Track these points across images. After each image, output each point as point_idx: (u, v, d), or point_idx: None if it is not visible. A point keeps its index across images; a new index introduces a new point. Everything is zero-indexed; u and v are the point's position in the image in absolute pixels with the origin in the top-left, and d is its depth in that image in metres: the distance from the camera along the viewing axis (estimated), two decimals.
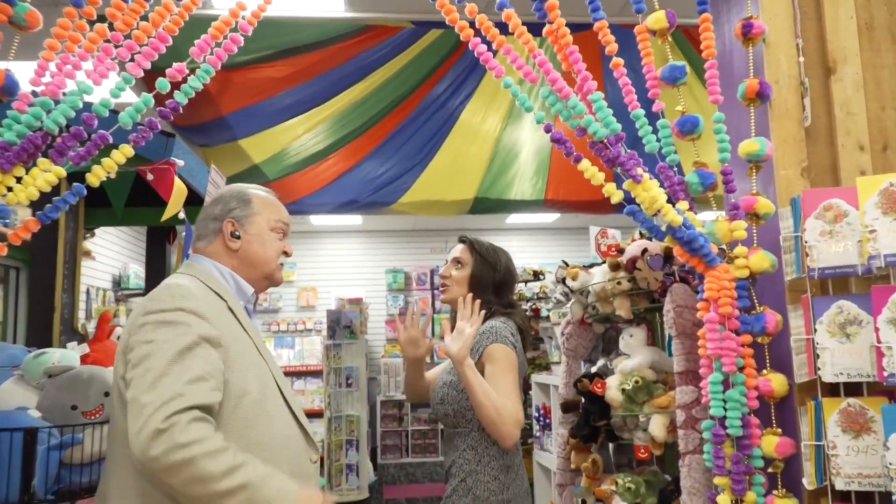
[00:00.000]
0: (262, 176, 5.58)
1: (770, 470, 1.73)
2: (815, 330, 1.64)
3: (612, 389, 2.12)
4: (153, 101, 1.70)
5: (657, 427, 2.01)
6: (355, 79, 4.92)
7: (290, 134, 5.24)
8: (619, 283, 2.17)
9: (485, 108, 5.99)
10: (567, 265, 2.51)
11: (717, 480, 1.70)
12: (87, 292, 6.26)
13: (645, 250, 2.13)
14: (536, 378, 4.21)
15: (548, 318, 4.18)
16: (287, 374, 8.50)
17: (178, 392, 1.27)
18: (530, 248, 9.25)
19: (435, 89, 5.68)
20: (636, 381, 2.08)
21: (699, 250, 1.79)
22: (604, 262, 2.41)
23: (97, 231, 6.37)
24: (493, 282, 2.36)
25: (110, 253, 7.28)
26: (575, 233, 9.25)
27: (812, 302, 1.70)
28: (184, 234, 2.71)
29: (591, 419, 2.11)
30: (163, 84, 1.71)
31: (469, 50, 5.42)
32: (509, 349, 2.12)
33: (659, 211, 1.82)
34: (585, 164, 1.88)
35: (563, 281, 2.42)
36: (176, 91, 1.75)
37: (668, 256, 2.13)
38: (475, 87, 5.80)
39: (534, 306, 4.16)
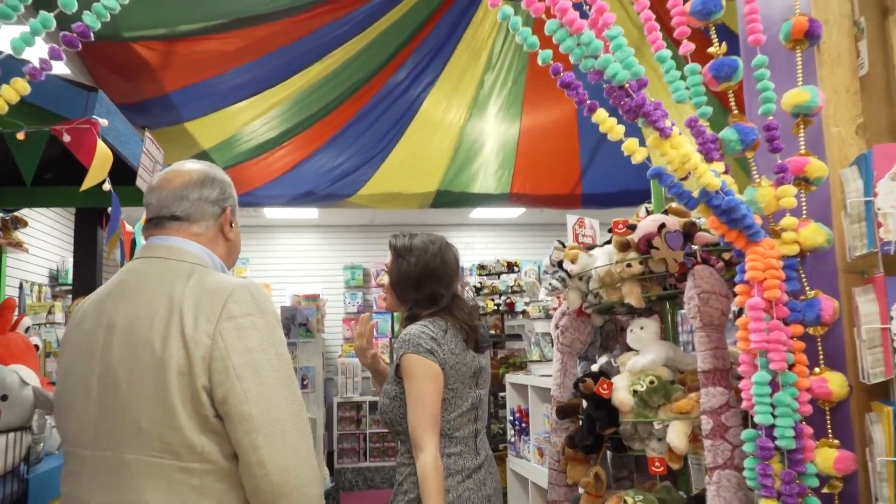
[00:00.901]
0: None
1: (826, 490, 1.43)
2: (893, 318, 1.35)
3: (621, 391, 1.81)
4: (55, 23, 1.31)
5: (677, 436, 1.70)
6: (311, 59, 4.54)
7: (240, 118, 4.82)
8: (628, 265, 1.87)
9: (447, 98, 5.68)
10: (563, 245, 2.20)
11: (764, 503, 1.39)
12: (21, 287, 5.76)
13: (663, 225, 1.83)
14: (511, 378, 3.90)
15: (523, 312, 3.90)
16: None
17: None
18: (494, 244, 8.97)
19: (395, 77, 5.35)
20: (651, 382, 1.78)
21: (740, 221, 1.48)
22: (606, 243, 2.11)
23: (31, 221, 5.87)
24: (410, 278, 2.28)
25: (46, 245, 6.78)
26: (539, 229, 9.00)
27: (886, 284, 1.39)
28: (116, 213, 2.32)
29: (599, 427, 1.79)
30: (68, 2, 1.32)
31: (432, 34, 5.08)
32: (421, 358, 2.04)
33: (691, 173, 1.51)
34: (601, 115, 1.57)
35: (560, 264, 2.10)
36: (86, 12, 1.36)
37: (687, 234, 1.84)
38: (437, 75, 5.49)
39: (508, 300, 3.86)
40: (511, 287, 3.91)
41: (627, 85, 1.56)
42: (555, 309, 3.16)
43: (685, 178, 1.57)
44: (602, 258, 2.00)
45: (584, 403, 1.87)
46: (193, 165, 1.53)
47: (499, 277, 4.00)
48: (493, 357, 3.83)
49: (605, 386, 1.81)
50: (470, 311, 2.24)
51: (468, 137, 6.06)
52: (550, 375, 3.21)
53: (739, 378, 1.49)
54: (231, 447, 1.29)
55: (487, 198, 6.49)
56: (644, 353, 1.86)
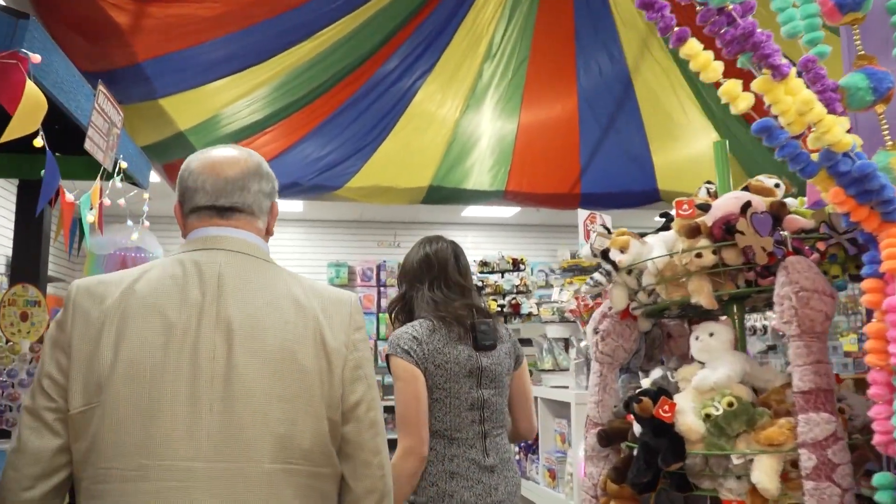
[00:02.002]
0: (189, 147, 4.76)
1: None
2: None
3: (688, 415, 1.46)
4: None
5: (766, 474, 1.34)
6: (302, 35, 4.17)
7: (222, 97, 4.43)
8: (698, 255, 1.52)
9: (443, 90, 5.36)
10: (608, 231, 1.84)
11: None
12: None
13: (748, 204, 1.49)
14: None
15: (529, 315, 3.55)
16: None
17: None
18: (486, 244, 8.64)
19: (386, 65, 5.02)
20: (729, 404, 1.43)
21: (876, 194, 1.15)
22: (662, 228, 1.77)
23: None
24: (408, 278, 2.35)
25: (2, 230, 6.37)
26: (534, 229, 8.69)
27: None
28: (52, 179, 1.93)
29: (662, 460, 1.43)
30: None
31: (430, 18, 4.68)
32: (397, 359, 2.09)
33: (811, 127, 1.16)
34: (693, 47, 1.22)
35: (605, 254, 1.75)
36: None
37: (775, 217, 1.50)
38: (434, 64, 5.16)
39: (513, 301, 3.50)
40: (517, 286, 3.54)
41: (731, 7, 1.21)
42: (572, 311, 2.82)
43: (800, 137, 1.22)
44: (659, 247, 1.66)
45: (637, 428, 1.51)
46: (243, 154, 1.44)
47: (503, 276, 3.63)
48: None
49: (666, 407, 1.45)
50: (463, 307, 2.20)
51: (463, 131, 5.73)
52: (565, 387, 2.87)
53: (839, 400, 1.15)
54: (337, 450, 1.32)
55: (482, 195, 6.17)
56: (714, 366, 1.52)
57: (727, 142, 2.13)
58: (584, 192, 6.22)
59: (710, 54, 1.25)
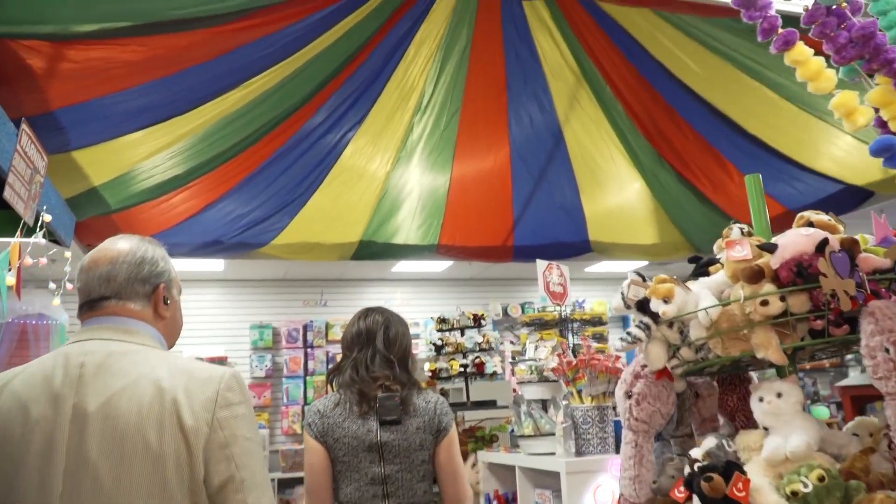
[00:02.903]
0: (103, 204, 4.43)
1: None
2: None
3: (767, 493, 1.27)
4: None
5: None
6: (229, 83, 3.98)
7: (140, 150, 4.16)
8: (763, 303, 1.38)
9: (373, 143, 5.28)
10: (642, 277, 1.68)
11: None
12: None
13: (825, 242, 1.36)
14: (487, 457, 3.27)
15: (494, 374, 3.36)
16: None
17: None
18: (417, 300, 8.44)
19: (314, 118, 4.89)
20: (819, 478, 1.24)
21: None
22: (698, 273, 1.60)
23: None
24: (343, 348, 2.41)
25: None
26: (466, 284, 8.57)
27: None
28: None
29: None
30: None
31: (358, 72, 4.56)
32: (304, 432, 2.21)
33: None
34: (801, 52, 1.11)
35: (643, 305, 1.59)
36: None
37: (851, 256, 1.38)
38: (361, 118, 5.06)
39: (477, 360, 3.29)
40: (479, 344, 3.34)
41: (844, 5, 1.10)
42: (554, 370, 2.66)
43: None
44: (707, 295, 1.50)
45: None
46: (121, 245, 1.48)
47: (462, 334, 3.44)
48: (459, 429, 3.23)
49: (741, 485, 1.25)
50: (370, 379, 2.21)
51: (394, 185, 5.62)
52: (551, 454, 2.67)
53: None
54: None
55: (414, 249, 6.04)
56: (783, 432, 1.34)
57: (758, 176, 2.01)
58: (517, 245, 6.18)
59: (821, 61, 1.13)
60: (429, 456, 2.20)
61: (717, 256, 1.81)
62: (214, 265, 7.03)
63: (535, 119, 5.35)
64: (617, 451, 2.58)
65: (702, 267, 1.67)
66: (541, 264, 3.29)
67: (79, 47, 2.84)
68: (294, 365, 7.83)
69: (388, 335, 2.31)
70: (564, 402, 2.61)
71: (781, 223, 5.62)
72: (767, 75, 4.37)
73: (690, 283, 1.61)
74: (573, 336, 3.00)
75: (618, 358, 2.56)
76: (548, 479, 2.79)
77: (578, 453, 2.54)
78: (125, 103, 3.42)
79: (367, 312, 2.39)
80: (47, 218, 2.54)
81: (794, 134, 4.73)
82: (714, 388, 1.77)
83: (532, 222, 6.00)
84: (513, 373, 4.04)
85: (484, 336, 3.40)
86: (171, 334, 1.51)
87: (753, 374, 1.83)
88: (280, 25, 3.51)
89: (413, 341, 7.75)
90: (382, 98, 4.95)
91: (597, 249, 6.42)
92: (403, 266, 7.51)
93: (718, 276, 1.55)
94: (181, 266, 6.93)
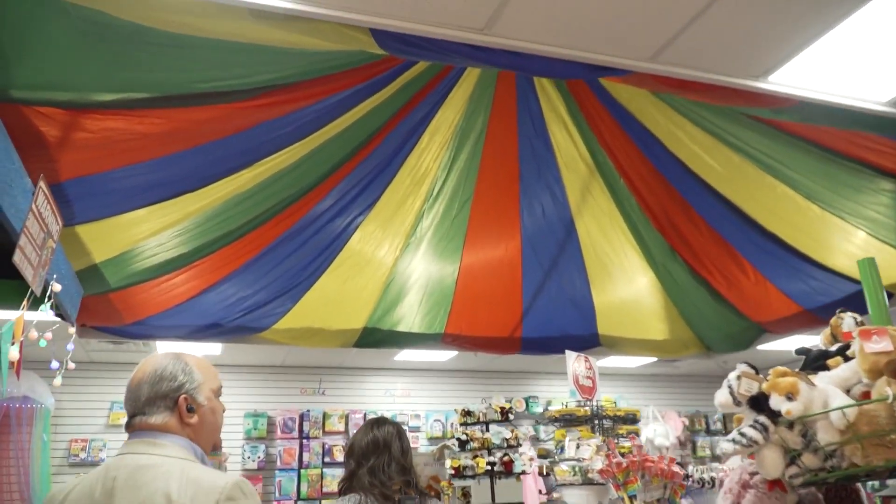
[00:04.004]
0: (103, 282, 4.29)
1: None
2: None
3: None
4: None
5: None
6: (245, 161, 3.92)
7: (146, 226, 4.05)
8: None
9: (383, 229, 5.21)
10: (754, 369, 1.49)
11: None
12: None
13: None
14: None
15: (523, 473, 3.11)
16: None
17: None
18: (419, 391, 8.17)
19: (324, 201, 4.82)
20: None
21: None
22: (814, 366, 1.43)
23: None
24: (355, 456, 2.59)
25: None
26: (470, 376, 8.32)
27: None
28: None
29: None
30: None
31: (371, 156, 4.52)
32: None
33: None
34: None
35: (758, 402, 1.41)
36: None
37: None
38: (372, 203, 5.01)
39: (505, 457, 3.04)
40: (507, 440, 3.11)
41: None
42: (602, 472, 2.44)
43: None
44: (837, 394, 1.31)
45: None
46: (145, 367, 1.69)
47: (487, 429, 3.20)
48: None
49: None
50: (392, 483, 2.42)
51: (402, 272, 5.51)
52: None
53: None
54: None
55: (419, 338, 5.87)
56: None
57: (873, 259, 1.87)
58: (525, 337, 6.01)
59: None
60: None
61: (831, 349, 1.64)
62: (212, 349, 6.82)
63: (547, 209, 5.29)
64: None
65: (815, 360, 1.49)
66: (570, 355, 3.12)
67: (96, 116, 2.77)
68: (288, 457, 7.47)
69: (402, 445, 2.55)
70: None
71: (797, 323, 5.48)
72: (786, 173, 4.33)
73: (821, 375, 1.42)
74: (602, 434, 2.79)
75: (672, 460, 2.35)
76: None
77: None
78: (137, 177, 3.33)
79: (378, 423, 2.62)
80: (56, 288, 2.38)
81: (812, 232, 4.66)
82: (820, 501, 1.56)
83: (541, 314, 5.85)
84: (540, 472, 3.78)
85: (512, 431, 3.16)
86: (204, 435, 1.71)
87: (860, 486, 1.63)
88: (301, 105, 3.47)
89: (414, 434, 7.55)
90: (394, 184, 4.90)
91: (605, 343, 6.24)
92: (406, 355, 7.30)
93: (843, 371, 1.37)
94: (176, 349, 6.70)
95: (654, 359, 7.42)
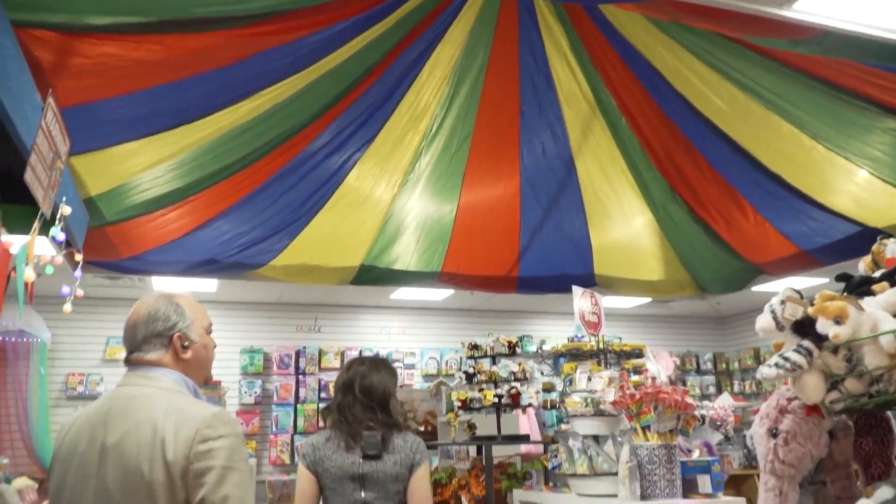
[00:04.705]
0: (99, 216, 4.23)
1: None
2: None
3: None
4: None
5: None
6: (242, 93, 3.82)
7: (142, 159, 3.97)
8: None
9: (378, 169, 5.10)
10: (798, 294, 1.46)
11: None
12: None
13: None
14: (525, 497, 3.02)
15: (529, 406, 3.13)
16: None
17: None
18: (413, 329, 8.22)
19: (321, 137, 4.73)
20: None
21: None
22: (858, 290, 1.39)
23: None
24: (335, 391, 2.81)
25: None
26: (465, 315, 8.37)
27: None
28: None
29: None
30: None
31: (369, 91, 4.39)
32: (299, 462, 2.66)
33: None
34: None
35: (802, 327, 1.38)
36: None
37: None
38: (370, 139, 4.92)
39: (512, 390, 3.05)
40: (514, 374, 3.12)
41: None
42: (615, 404, 2.45)
43: None
44: (887, 318, 1.29)
45: None
46: (140, 309, 1.80)
47: (495, 362, 3.22)
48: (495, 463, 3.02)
49: None
50: (357, 420, 2.63)
51: (400, 210, 5.46)
52: (611, 496, 2.44)
53: None
54: None
55: (416, 276, 5.86)
56: None
57: None
58: (522, 276, 6.02)
59: None
60: (403, 487, 2.57)
61: (873, 276, 1.61)
62: (207, 286, 6.80)
63: (547, 147, 5.22)
64: (685, 495, 2.37)
65: (858, 286, 1.47)
66: (577, 291, 3.10)
67: (91, 41, 2.65)
68: (285, 392, 7.55)
69: (364, 385, 2.69)
70: (620, 440, 2.40)
71: (794, 264, 5.49)
72: (792, 111, 4.27)
73: (872, 299, 1.40)
74: (609, 368, 2.81)
75: (686, 392, 2.37)
76: None
77: (643, 496, 2.31)
78: (133, 107, 3.23)
79: (351, 364, 2.79)
80: (66, 210, 2.30)
81: (816, 171, 4.62)
82: (851, 429, 1.56)
83: (538, 253, 5.85)
84: (544, 406, 3.83)
85: (520, 365, 3.17)
86: (197, 369, 1.83)
87: (890, 415, 1.63)
88: (299, 34, 3.36)
89: (409, 371, 7.61)
90: (392, 120, 4.81)
91: (602, 284, 6.26)
92: (402, 294, 7.31)
93: (890, 296, 1.34)
94: (172, 285, 6.67)
95: (649, 299, 7.47)
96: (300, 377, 7.62)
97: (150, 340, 1.78)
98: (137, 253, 4.98)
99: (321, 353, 7.78)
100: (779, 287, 6.24)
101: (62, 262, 2.38)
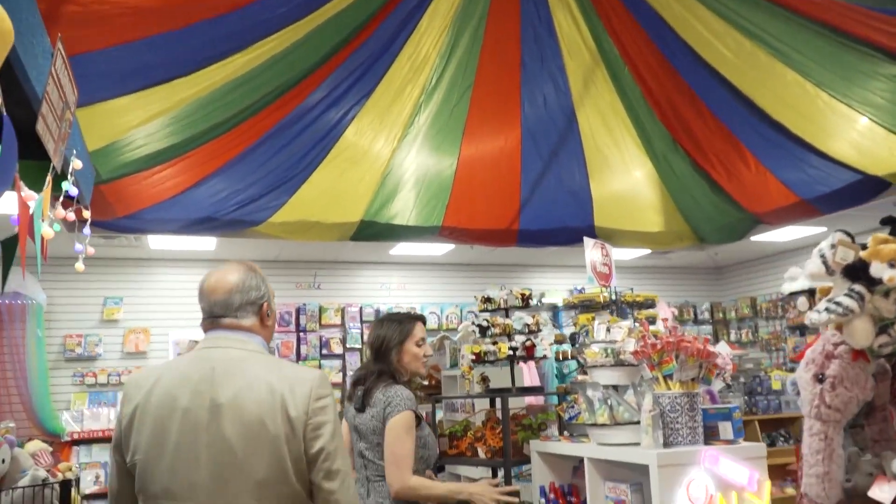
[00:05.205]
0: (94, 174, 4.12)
1: None
2: None
3: None
4: None
5: None
6: (237, 44, 3.72)
7: (137, 114, 3.89)
8: None
9: (379, 119, 5.04)
10: (850, 237, 1.43)
11: None
12: None
13: None
14: (542, 447, 3.00)
15: (544, 357, 3.14)
16: (108, 439, 6.73)
17: None
18: (414, 284, 8.22)
19: (318, 91, 4.63)
20: None
21: None
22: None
23: None
24: None
25: None
26: (464, 269, 8.36)
27: None
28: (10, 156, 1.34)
29: None
30: None
31: (367, 43, 4.28)
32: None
33: None
34: None
35: (854, 271, 1.36)
36: None
37: None
38: (370, 91, 4.84)
39: (527, 342, 3.05)
40: (528, 326, 3.12)
41: None
42: (636, 353, 2.44)
43: None
44: None
45: None
46: (232, 278, 1.93)
47: (508, 315, 3.21)
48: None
49: None
50: (363, 370, 2.89)
51: (399, 164, 5.39)
52: (634, 444, 2.46)
53: None
54: (311, 489, 1.79)
55: (416, 231, 5.82)
56: None
57: None
58: (523, 229, 5.99)
59: None
60: (381, 438, 2.67)
61: None
62: (206, 244, 6.74)
63: (548, 99, 5.15)
64: (706, 442, 2.40)
65: None
66: (588, 242, 3.08)
67: None
68: (286, 350, 7.57)
69: (369, 339, 2.94)
70: (641, 389, 2.40)
71: (793, 213, 5.47)
72: (797, 59, 4.21)
73: None
74: (623, 319, 2.81)
75: (707, 340, 2.37)
76: (621, 472, 2.58)
77: (666, 444, 2.33)
78: (129, 58, 3.13)
79: (373, 326, 2.99)
80: (77, 164, 2.22)
81: (818, 119, 4.57)
82: (889, 372, 1.55)
83: (539, 206, 5.81)
84: (557, 358, 3.85)
85: (534, 317, 3.16)
86: (271, 335, 2.02)
87: None
88: None
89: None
90: (391, 72, 4.72)
91: (601, 236, 6.22)
92: (401, 249, 7.28)
93: None
94: (170, 244, 6.58)
95: (648, 251, 7.48)
96: (301, 334, 7.64)
97: (244, 308, 1.93)
98: (133, 211, 4.91)
99: (321, 309, 7.78)
100: (776, 237, 6.29)
101: (73, 219, 2.32)
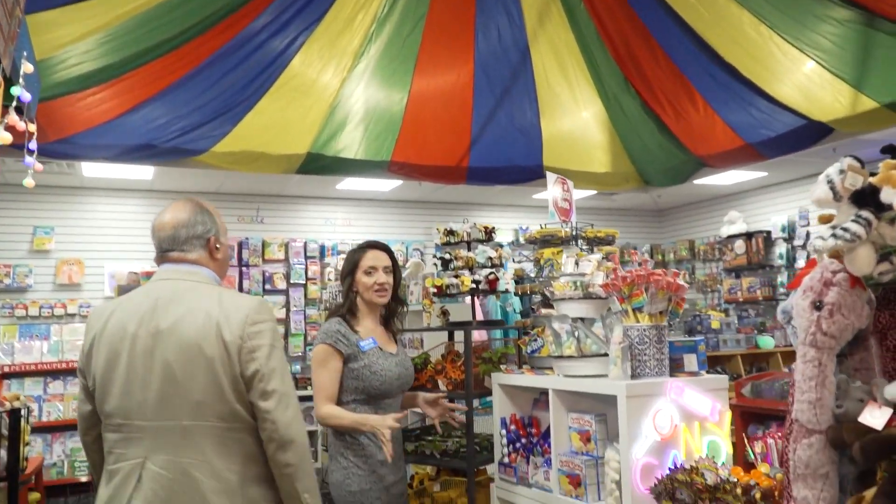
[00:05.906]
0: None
1: None
2: None
3: None
4: None
5: None
6: None
7: (72, 28, 3.65)
8: None
9: (327, 52, 4.85)
10: (860, 163, 1.41)
11: None
12: None
13: None
14: (503, 380, 3.03)
15: (505, 291, 3.14)
16: (41, 373, 6.54)
17: None
18: (359, 221, 8.12)
19: (264, 15, 4.42)
20: None
21: None
22: None
23: None
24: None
25: None
26: (411, 206, 8.29)
27: None
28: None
29: None
30: None
31: None
32: None
33: None
34: None
35: (862, 197, 1.33)
36: None
37: None
38: (318, 18, 4.63)
39: (491, 276, 3.03)
40: (491, 259, 3.10)
41: None
42: (606, 286, 2.45)
43: None
44: None
45: None
46: (180, 216, 2.05)
47: (470, 248, 3.18)
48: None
49: None
50: (335, 300, 2.57)
51: (348, 97, 5.23)
52: (601, 376, 2.49)
53: None
54: (252, 410, 1.92)
55: (365, 165, 5.69)
56: None
57: None
58: (472, 167, 5.94)
59: None
60: None
61: None
62: (142, 173, 6.48)
63: (503, 32, 5.04)
64: (672, 373, 2.45)
65: None
66: (550, 177, 3.06)
67: None
68: (228, 283, 7.43)
69: (343, 267, 2.91)
70: (609, 322, 2.43)
71: (736, 157, 5.55)
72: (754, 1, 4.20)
73: None
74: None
75: (676, 274, 2.40)
76: (585, 403, 2.63)
77: (634, 376, 2.38)
78: None
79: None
80: (28, 67, 2.09)
81: (768, 62, 4.61)
82: (873, 302, 1.59)
83: (489, 143, 5.76)
84: (515, 293, 3.86)
85: (497, 251, 3.14)
86: (223, 269, 2.12)
87: None
88: None
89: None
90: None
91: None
92: (347, 184, 7.15)
93: None
94: (103, 172, 6.27)
95: (594, 192, 7.55)
96: (243, 269, 7.50)
97: (191, 241, 2.04)
98: (66, 135, 4.64)
99: (265, 244, 7.64)
100: (717, 181, 6.38)
101: (24, 129, 2.17)
